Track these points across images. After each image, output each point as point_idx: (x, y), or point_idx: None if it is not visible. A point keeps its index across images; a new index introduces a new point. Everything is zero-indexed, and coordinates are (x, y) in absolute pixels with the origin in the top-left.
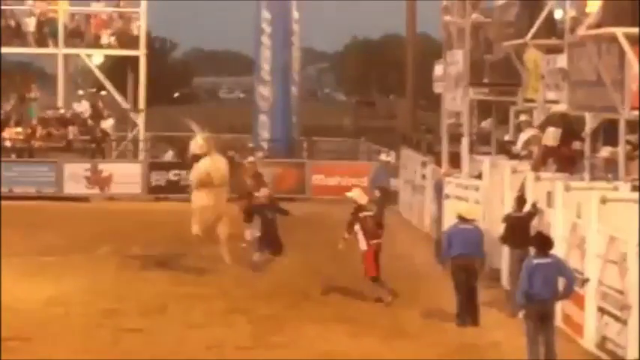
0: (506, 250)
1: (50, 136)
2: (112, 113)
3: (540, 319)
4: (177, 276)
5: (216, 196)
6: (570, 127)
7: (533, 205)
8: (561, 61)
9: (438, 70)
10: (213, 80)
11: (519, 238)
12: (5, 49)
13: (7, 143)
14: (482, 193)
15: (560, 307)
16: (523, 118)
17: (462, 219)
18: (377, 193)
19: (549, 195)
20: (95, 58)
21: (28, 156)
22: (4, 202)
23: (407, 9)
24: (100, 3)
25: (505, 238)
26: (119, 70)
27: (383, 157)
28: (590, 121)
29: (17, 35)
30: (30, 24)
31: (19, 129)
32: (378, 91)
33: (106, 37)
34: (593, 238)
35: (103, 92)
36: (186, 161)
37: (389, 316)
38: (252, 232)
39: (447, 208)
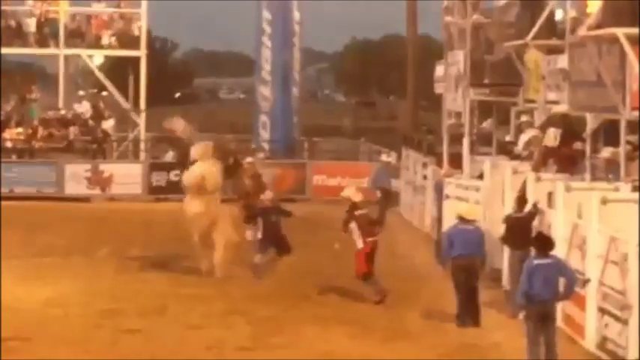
0: (506, 251)
1: (51, 137)
2: (113, 114)
3: (541, 319)
4: (176, 277)
5: (208, 202)
6: (571, 128)
7: (534, 206)
8: (562, 61)
9: (439, 70)
10: (214, 81)
11: (520, 239)
12: (6, 50)
13: (8, 144)
14: (482, 194)
15: (560, 308)
16: (524, 118)
17: (462, 219)
18: (378, 194)
19: (550, 195)
20: (96, 58)
21: (29, 156)
22: (4, 203)
23: (407, 9)
24: (101, 3)
25: (506, 239)
26: (120, 70)
27: (384, 157)
28: (591, 122)
29: (18, 36)
30: (31, 24)
31: (20, 129)
32: (378, 91)
33: (106, 38)
34: (593, 238)
35: (104, 93)
36: (186, 166)
37: (389, 316)
38: (252, 234)
39: (447, 208)
